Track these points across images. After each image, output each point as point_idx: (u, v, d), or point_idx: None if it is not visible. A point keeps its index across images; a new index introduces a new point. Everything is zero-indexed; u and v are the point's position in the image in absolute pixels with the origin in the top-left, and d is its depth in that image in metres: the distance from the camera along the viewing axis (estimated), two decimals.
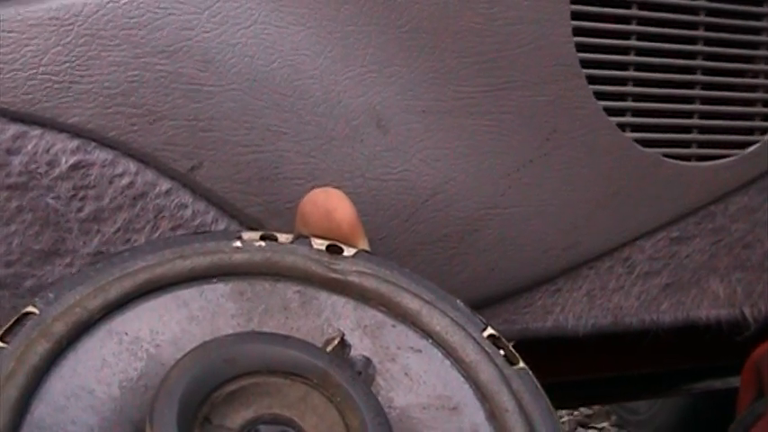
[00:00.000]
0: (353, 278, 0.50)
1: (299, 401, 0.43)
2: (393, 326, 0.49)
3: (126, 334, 0.44)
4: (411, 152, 0.67)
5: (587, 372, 0.80)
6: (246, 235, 0.50)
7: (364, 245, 0.54)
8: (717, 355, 0.84)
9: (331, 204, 0.54)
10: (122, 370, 0.43)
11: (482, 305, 0.72)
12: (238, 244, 0.49)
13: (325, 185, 0.64)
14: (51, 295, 0.44)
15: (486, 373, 0.47)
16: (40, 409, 0.40)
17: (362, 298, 0.49)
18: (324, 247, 0.51)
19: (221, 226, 0.62)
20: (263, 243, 0.50)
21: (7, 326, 0.42)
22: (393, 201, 0.67)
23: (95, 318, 0.44)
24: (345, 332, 0.47)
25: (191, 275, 0.47)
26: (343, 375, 0.43)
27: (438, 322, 0.49)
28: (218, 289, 0.47)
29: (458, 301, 0.51)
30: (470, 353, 0.48)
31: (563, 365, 0.79)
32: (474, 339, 0.49)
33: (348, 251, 0.52)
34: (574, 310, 0.75)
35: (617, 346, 0.78)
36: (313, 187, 0.63)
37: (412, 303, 0.49)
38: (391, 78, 0.67)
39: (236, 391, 0.42)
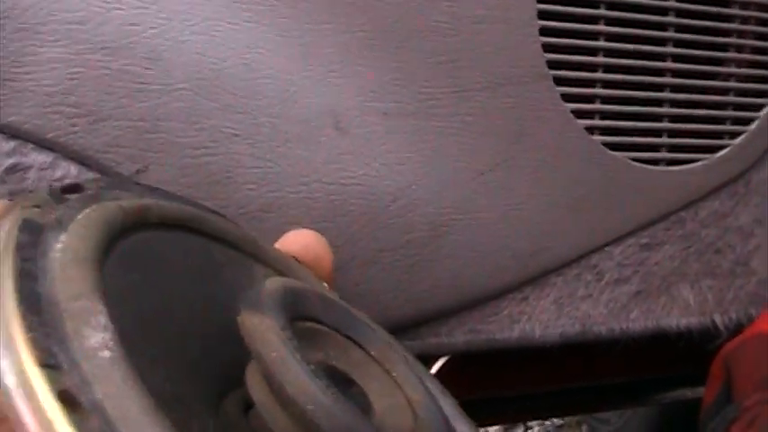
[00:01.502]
0: None
1: (360, 365, 0.43)
2: None
3: None
4: (372, 155, 0.65)
5: (557, 382, 0.77)
6: None
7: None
8: (688, 364, 0.82)
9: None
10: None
11: (447, 313, 0.70)
12: None
13: (279, 190, 0.62)
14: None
15: None
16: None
17: None
18: None
19: None
20: None
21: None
22: (353, 206, 0.64)
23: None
24: None
25: None
26: (399, 354, 0.44)
27: None
28: None
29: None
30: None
31: (532, 375, 0.77)
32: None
33: None
34: (541, 319, 0.73)
35: (586, 355, 0.75)
36: (267, 192, 0.61)
37: None
38: (351, 79, 0.64)
39: (309, 330, 0.42)
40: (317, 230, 0.62)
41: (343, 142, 0.64)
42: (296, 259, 0.53)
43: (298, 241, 0.55)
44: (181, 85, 0.57)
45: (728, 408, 0.69)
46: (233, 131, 0.59)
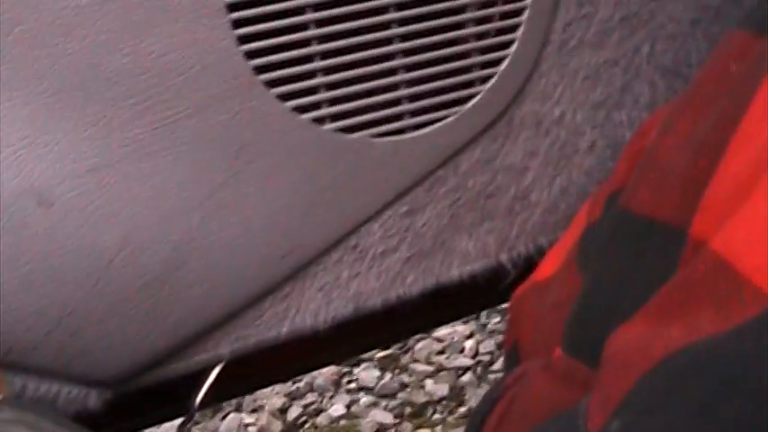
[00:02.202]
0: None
1: None
2: None
3: None
4: (84, 216, 0.66)
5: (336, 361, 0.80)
6: None
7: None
8: (473, 310, 0.83)
9: None
10: None
11: (207, 330, 0.72)
12: None
13: None
14: None
15: None
16: None
17: None
18: None
19: None
20: None
21: None
22: (75, 272, 0.66)
23: None
24: None
25: None
26: None
27: None
28: None
29: None
30: None
31: (309, 361, 0.79)
32: None
33: None
34: (310, 309, 0.75)
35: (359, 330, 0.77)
36: None
37: None
38: (47, 148, 0.64)
39: None
40: (41, 307, 0.64)
41: (52, 214, 0.64)
42: None
43: None
44: None
45: (507, 373, 0.70)
46: None
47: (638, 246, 0.55)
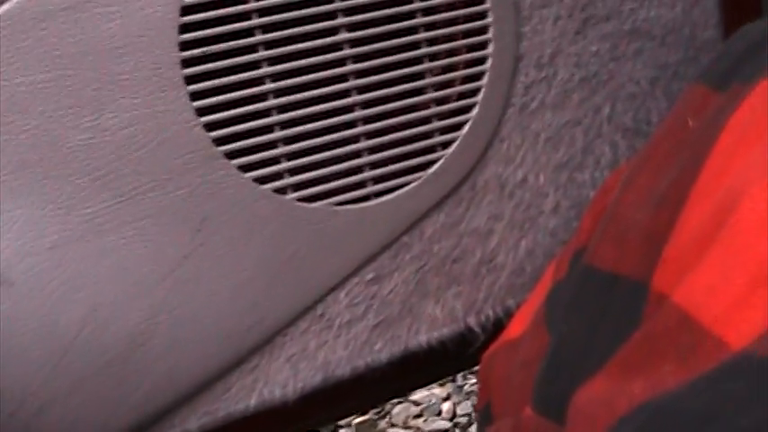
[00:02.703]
0: None
1: None
2: None
3: None
4: (45, 294, 0.65)
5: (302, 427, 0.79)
6: None
7: None
8: (444, 375, 0.83)
9: None
10: None
11: (174, 406, 0.71)
12: None
13: None
14: None
15: None
16: None
17: None
18: None
19: None
20: None
21: None
22: (37, 350, 0.65)
23: None
24: None
25: None
26: None
27: None
28: None
29: None
30: None
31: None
32: None
33: None
34: (278, 380, 0.74)
35: (329, 398, 0.77)
36: None
37: None
38: (6, 226, 0.63)
39: None
40: (4, 387, 0.63)
41: (12, 294, 0.64)
42: None
43: None
44: None
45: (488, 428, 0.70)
46: None
47: (602, 301, 0.55)
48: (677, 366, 0.42)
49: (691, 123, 0.57)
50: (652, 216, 0.54)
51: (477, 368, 0.74)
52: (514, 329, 0.73)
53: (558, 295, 0.67)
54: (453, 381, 2.08)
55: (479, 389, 0.75)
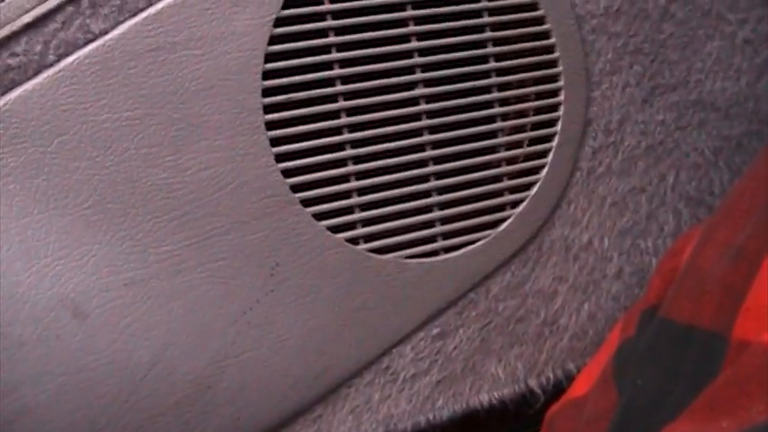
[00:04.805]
0: None
1: None
2: None
3: None
4: (118, 330, 0.65)
5: None
6: None
7: None
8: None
9: None
10: None
11: None
12: None
13: (23, 397, 0.62)
14: None
15: None
16: None
17: None
18: None
19: None
20: None
21: None
22: (107, 386, 0.65)
23: None
24: None
25: None
26: None
27: None
28: None
29: None
30: None
31: None
32: None
33: None
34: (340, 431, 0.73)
35: None
36: (12, 401, 0.61)
37: None
38: (83, 259, 0.64)
39: None
40: (72, 422, 0.63)
41: (85, 327, 0.64)
42: None
43: None
44: None
45: None
46: None
47: (678, 353, 0.55)
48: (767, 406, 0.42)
49: None
50: (730, 269, 0.54)
51: (537, 428, 0.73)
52: (578, 389, 0.72)
53: (627, 353, 0.67)
54: None
55: None
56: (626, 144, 0.80)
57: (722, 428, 0.43)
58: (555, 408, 0.73)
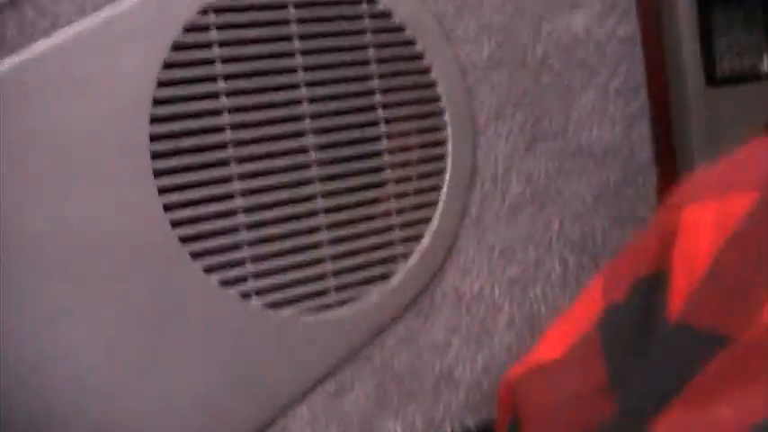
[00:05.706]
0: None
1: None
2: None
3: None
4: None
5: None
6: None
7: None
8: None
9: None
10: None
11: None
12: None
13: None
14: None
15: None
16: None
17: None
18: None
19: None
20: None
21: None
22: None
23: None
24: None
25: None
26: None
27: None
28: None
29: None
30: None
31: None
32: None
33: None
34: None
35: None
36: None
37: None
38: None
39: None
40: None
41: None
42: None
43: None
44: None
45: None
46: None
47: (700, 362, 0.53)
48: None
49: None
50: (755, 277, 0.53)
51: None
52: (547, 351, 0.67)
53: (617, 323, 0.63)
54: None
55: (499, 407, 0.69)
56: (512, 192, 0.80)
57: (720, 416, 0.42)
58: (518, 370, 0.68)
